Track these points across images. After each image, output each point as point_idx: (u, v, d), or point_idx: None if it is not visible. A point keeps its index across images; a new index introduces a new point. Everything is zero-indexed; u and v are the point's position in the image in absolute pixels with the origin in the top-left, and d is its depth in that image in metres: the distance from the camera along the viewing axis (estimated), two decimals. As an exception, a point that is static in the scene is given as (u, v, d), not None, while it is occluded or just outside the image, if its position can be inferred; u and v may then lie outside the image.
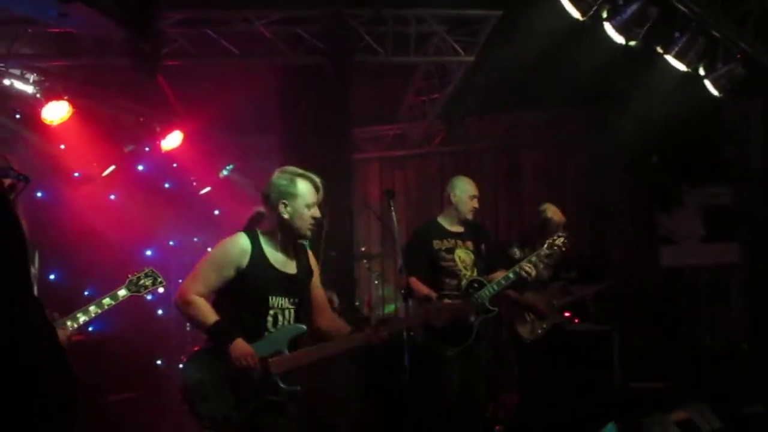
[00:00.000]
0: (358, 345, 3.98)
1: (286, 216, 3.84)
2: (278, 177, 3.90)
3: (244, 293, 3.78)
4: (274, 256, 3.87)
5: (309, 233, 3.92)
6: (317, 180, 3.94)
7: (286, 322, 3.84)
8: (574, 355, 6.51)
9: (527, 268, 5.46)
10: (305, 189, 3.87)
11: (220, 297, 3.80)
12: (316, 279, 4.10)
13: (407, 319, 4.58)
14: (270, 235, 3.89)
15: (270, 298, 3.80)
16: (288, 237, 3.91)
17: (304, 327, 3.89)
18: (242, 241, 3.83)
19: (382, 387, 6.39)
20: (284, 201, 3.84)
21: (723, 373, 7.65)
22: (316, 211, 3.89)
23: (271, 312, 3.80)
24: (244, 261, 3.77)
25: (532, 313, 6.39)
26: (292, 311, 3.88)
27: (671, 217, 8.85)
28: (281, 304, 3.83)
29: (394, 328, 4.10)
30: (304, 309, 3.98)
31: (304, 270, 4.00)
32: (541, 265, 5.82)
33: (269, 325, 3.79)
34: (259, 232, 3.89)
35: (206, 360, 3.74)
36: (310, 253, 4.12)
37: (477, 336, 5.44)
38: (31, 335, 1.69)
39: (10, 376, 1.61)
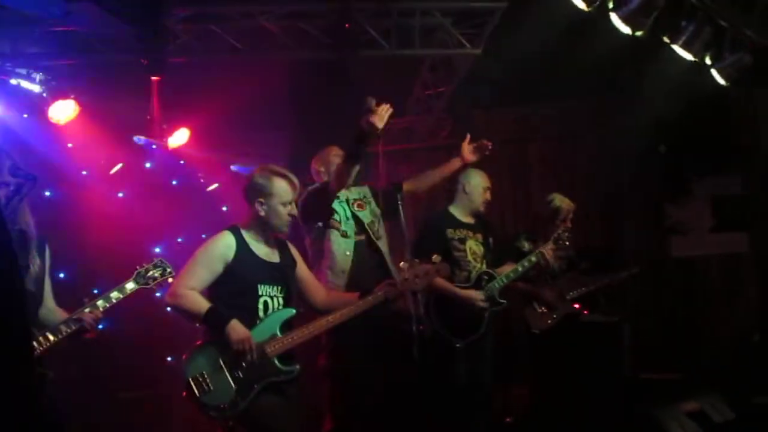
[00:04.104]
0: (366, 308, 4.16)
1: (262, 214, 4.04)
2: (257, 176, 4.10)
3: (235, 284, 3.96)
4: (258, 247, 4.07)
5: (286, 229, 4.13)
6: (295, 179, 4.11)
7: (276, 308, 4.01)
8: (584, 346, 6.49)
9: (534, 259, 5.51)
10: (281, 188, 4.04)
11: (212, 291, 3.99)
12: (301, 266, 4.29)
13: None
14: (251, 229, 4.09)
15: (259, 286, 3.98)
16: (267, 231, 4.10)
17: (294, 310, 4.08)
18: (226, 237, 4.02)
19: (391, 378, 6.38)
20: (260, 200, 4.02)
21: (734, 364, 7.62)
22: (292, 208, 4.08)
23: (261, 299, 3.98)
24: (230, 255, 3.96)
25: (542, 305, 6.37)
26: (281, 298, 4.05)
27: (680, 208, 8.80)
28: (270, 292, 4.01)
29: (393, 293, 4.25)
30: (291, 296, 4.14)
31: (288, 259, 4.20)
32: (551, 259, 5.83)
33: (260, 312, 3.96)
34: (240, 227, 4.09)
35: (204, 353, 3.87)
36: (290, 245, 4.32)
37: (485, 328, 5.45)
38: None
39: None
